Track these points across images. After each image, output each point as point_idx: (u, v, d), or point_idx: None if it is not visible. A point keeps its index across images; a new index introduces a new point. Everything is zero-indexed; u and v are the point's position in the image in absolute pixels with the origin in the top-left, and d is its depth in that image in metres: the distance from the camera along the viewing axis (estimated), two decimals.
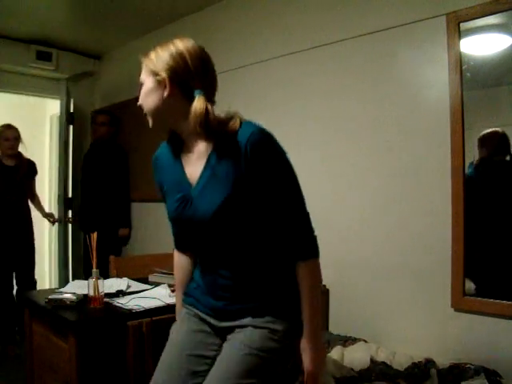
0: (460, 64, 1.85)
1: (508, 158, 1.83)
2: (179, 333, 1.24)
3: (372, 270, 2.16)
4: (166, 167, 1.23)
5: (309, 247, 1.12)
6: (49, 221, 3.63)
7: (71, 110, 3.75)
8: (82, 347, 1.49)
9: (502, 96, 1.85)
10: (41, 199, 3.57)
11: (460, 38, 1.85)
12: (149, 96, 1.14)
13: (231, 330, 1.15)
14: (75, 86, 3.86)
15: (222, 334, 1.18)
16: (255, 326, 1.12)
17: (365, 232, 2.20)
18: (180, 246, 1.37)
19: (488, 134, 1.86)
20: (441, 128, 1.92)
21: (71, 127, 3.75)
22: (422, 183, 2.00)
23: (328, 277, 2.33)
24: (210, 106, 1.09)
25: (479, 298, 1.81)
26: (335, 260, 2.31)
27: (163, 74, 1.10)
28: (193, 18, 3.21)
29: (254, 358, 1.08)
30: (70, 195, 3.72)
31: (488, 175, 1.90)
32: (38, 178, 3.48)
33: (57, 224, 3.70)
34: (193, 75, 1.10)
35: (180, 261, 1.36)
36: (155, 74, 1.12)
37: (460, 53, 1.85)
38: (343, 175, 2.30)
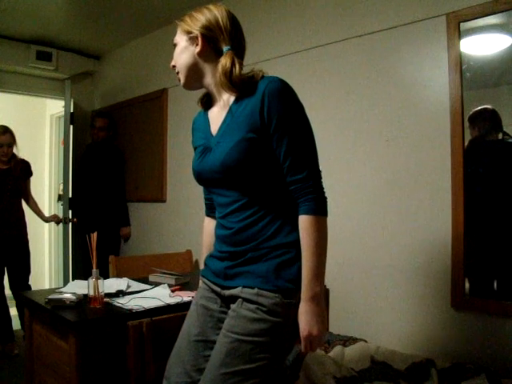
0: (460, 64, 1.85)
1: (500, 136, 1.79)
2: (190, 316, 1.27)
3: (372, 270, 2.16)
4: (199, 127, 1.30)
5: (315, 202, 1.08)
6: (55, 223, 3.57)
7: (71, 110, 3.75)
8: (82, 347, 1.49)
9: (502, 96, 1.85)
10: (40, 199, 3.55)
11: (460, 37, 1.85)
12: (182, 54, 1.21)
13: (230, 302, 1.16)
14: (75, 86, 3.87)
15: (227, 306, 1.18)
16: (244, 299, 1.11)
17: (365, 232, 2.20)
18: (207, 208, 1.39)
19: (478, 111, 1.83)
20: (441, 128, 1.92)
21: (71, 127, 3.75)
22: (421, 183, 2.00)
23: (328, 277, 2.33)
24: (236, 61, 1.14)
25: (479, 298, 1.81)
26: (335, 260, 2.31)
27: (196, 32, 1.17)
28: None
29: (240, 343, 1.07)
30: (70, 195, 3.71)
31: (483, 156, 1.85)
32: (34, 179, 3.41)
33: (59, 223, 3.69)
34: (223, 33, 1.17)
35: (207, 226, 1.38)
36: (189, 32, 1.19)
37: (460, 53, 1.85)
38: (343, 175, 2.30)
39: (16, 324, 3.10)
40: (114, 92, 3.99)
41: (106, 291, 1.73)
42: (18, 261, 3.14)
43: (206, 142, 1.22)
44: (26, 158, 3.30)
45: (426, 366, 1.70)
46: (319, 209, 1.09)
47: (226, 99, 1.19)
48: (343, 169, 2.30)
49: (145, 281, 2.16)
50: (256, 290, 1.09)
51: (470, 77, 1.85)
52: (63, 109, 3.73)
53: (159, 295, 1.83)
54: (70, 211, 3.66)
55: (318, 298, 1.08)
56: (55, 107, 4.50)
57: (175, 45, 1.24)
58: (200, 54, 1.18)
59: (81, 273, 3.53)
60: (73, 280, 3.25)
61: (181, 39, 1.22)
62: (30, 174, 3.32)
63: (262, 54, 2.69)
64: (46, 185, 4.84)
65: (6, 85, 3.77)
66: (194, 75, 1.21)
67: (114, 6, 3.07)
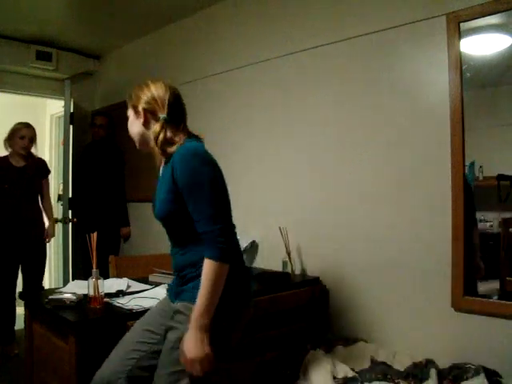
0: (460, 64, 1.85)
1: None
2: (149, 311, 1.54)
3: (372, 270, 2.16)
4: None
5: (215, 250, 1.27)
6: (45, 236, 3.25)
7: (71, 110, 3.75)
8: (82, 347, 1.49)
9: (502, 96, 1.84)
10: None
11: (460, 37, 1.85)
12: (132, 125, 1.49)
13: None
14: (75, 86, 3.86)
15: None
16: (177, 312, 1.36)
17: (364, 232, 2.20)
18: None
19: None
20: (441, 128, 1.92)
21: (71, 127, 3.75)
22: (421, 183, 2.00)
23: (328, 277, 2.34)
24: (163, 130, 1.39)
25: (479, 298, 1.81)
26: (335, 260, 2.31)
27: (139, 108, 1.44)
28: (192, 19, 3.21)
29: (172, 350, 1.31)
30: (70, 195, 3.71)
31: None
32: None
33: (59, 224, 3.67)
34: (159, 105, 1.42)
35: None
36: (134, 107, 1.46)
37: (460, 53, 1.85)
38: (343, 176, 2.30)
39: (20, 324, 3.08)
40: (114, 92, 3.98)
41: (106, 291, 1.73)
42: (33, 261, 3.10)
43: (154, 199, 1.50)
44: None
45: (426, 366, 1.70)
46: (218, 255, 1.27)
47: (161, 163, 1.47)
48: (343, 169, 2.30)
49: (145, 281, 2.16)
50: (184, 303, 1.35)
51: (469, 77, 1.85)
52: (63, 109, 3.73)
53: (159, 295, 1.82)
54: (70, 211, 3.65)
55: (204, 328, 1.25)
56: (55, 107, 4.50)
57: (128, 117, 1.50)
58: (144, 124, 1.44)
59: (81, 273, 3.52)
60: (73, 280, 3.25)
61: (130, 113, 1.49)
62: (48, 172, 3.27)
63: (262, 54, 2.69)
64: None
65: (6, 85, 3.77)
66: (143, 141, 1.47)
67: (114, 6, 3.07)
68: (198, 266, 1.32)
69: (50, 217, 3.29)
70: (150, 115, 1.43)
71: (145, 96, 1.43)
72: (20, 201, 3.04)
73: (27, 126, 3.07)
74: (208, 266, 1.27)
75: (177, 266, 1.45)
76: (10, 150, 3.07)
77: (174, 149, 1.37)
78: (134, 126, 1.47)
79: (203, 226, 1.30)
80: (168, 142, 1.39)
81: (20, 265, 3.09)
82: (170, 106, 1.42)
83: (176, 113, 1.45)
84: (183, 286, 1.40)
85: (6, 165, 3.03)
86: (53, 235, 3.31)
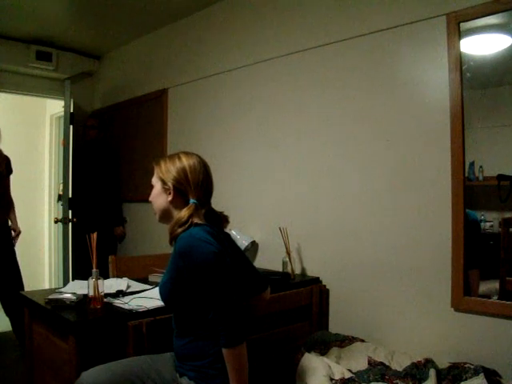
0: (460, 64, 1.85)
1: None
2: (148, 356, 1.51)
3: (372, 270, 2.16)
4: None
5: (225, 337, 1.26)
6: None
7: (71, 110, 3.74)
8: (81, 347, 1.49)
9: (502, 96, 1.84)
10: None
11: (460, 38, 1.85)
12: (158, 198, 1.46)
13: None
14: (75, 86, 3.86)
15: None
16: None
17: (365, 232, 2.20)
18: None
19: None
20: (441, 128, 1.92)
21: (71, 127, 3.74)
22: (421, 183, 2.00)
23: (328, 277, 2.33)
24: (191, 216, 1.37)
25: (479, 298, 1.81)
26: (335, 260, 2.31)
27: (169, 184, 1.41)
28: (192, 19, 3.21)
29: None
30: (70, 195, 3.71)
31: None
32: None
33: (59, 224, 3.66)
34: (190, 187, 1.41)
35: None
36: (163, 182, 1.43)
37: (460, 53, 1.85)
38: (343, 175, 2.30)
39: (6, 326, 2.96)
40: (114, 92, 3.99)
41: (106, 291, 1.73)
42: (9, 282, 2.81)
43: None
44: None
45: (425, 366, 1.70)
46: (229, 342, 1.26)
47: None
48: (343, 169, 2.30)
49: (145, 281, 2.16)
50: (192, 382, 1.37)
51: (470, 77, 1.85)
52: (63, 109, 3.73)
53: (159, 295, 1.82)
54: (70, 211, 3.65)
55: None
56: (55, 107, 4.50)
57: (153, 185, 1.48)
58: (171, 201, 1.42)
59: (80, 273, 3.51)
60: (73, 280, 3.23)
61: (157, 183, 1.46)
62: (11, 171, 2.97)
63: (263, 54, 2.69)
64: (46, 185, 4.84)
65: (6, 85, 3.77)
66: (165, 216, 1.46)
67: (114, 6, 3.07)
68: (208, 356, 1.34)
69: (12, 210, 3.02)
70: (179, 195, 1.41)
71: (176, 173, 1.41)
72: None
73: None
74: (229, 355, 1.27)
75: (176, 349, 1.44)
76: None
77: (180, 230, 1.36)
78: (161, 199, 1.44)
79: (212, 315, 1.29)
80: (187, 224, 1.37)
81: None
82: (201, 189, 1.41)
83: (205, 195, 1.44)
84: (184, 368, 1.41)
85: None
86: (19, 231, 3.04)
